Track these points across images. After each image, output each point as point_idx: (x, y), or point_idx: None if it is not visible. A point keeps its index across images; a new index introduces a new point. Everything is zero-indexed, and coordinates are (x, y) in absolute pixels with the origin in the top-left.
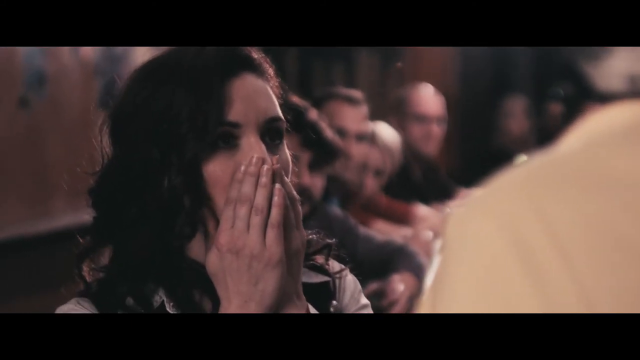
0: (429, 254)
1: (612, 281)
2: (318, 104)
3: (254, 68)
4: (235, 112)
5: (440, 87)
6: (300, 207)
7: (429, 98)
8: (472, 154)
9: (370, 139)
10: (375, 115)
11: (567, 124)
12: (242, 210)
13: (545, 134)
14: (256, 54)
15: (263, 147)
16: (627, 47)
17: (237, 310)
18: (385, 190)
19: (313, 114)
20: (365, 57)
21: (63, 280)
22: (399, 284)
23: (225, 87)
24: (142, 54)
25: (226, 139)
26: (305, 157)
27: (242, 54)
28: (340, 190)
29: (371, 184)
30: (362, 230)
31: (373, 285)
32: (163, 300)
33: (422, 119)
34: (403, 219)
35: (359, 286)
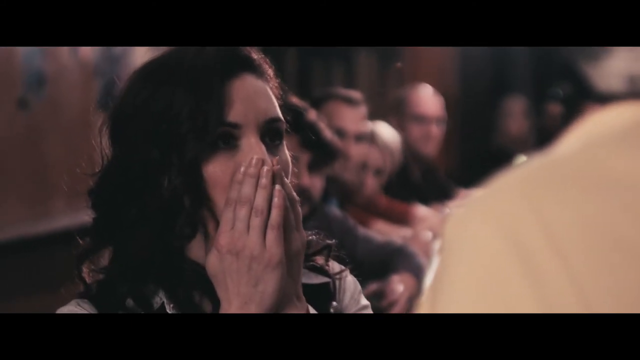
0: (428, 255)
1: (610, 281)
2: (317, 104)
3: (254, 69)
4: (235, 113)
5: (440, 88)
6: (300, 208)
7: (428, 98)
8: (472, 154)
9: (370, 138)
10: (375, 115)
11: (566, 124)
12: (242, 212)
13: (544, 134)
14: (256, 54)
15: (263, 147)
16: (627, 47)
17: (237, 312)
18: (384, 190)
19: (312, 115)
20: (365, 57)
21: (63, 281)
22: (399, 285)
23: (225, 88)
24: (141, 55)
25: (226, 139)
26: (305, 157)
27: (242, 54)
28: (340, 190)
29: (371, 184)
30: (362, 230)
31: (372, 286)
32: (163, 302)
33: (422, 119)
34: (402, 220)
35: (359, 287)
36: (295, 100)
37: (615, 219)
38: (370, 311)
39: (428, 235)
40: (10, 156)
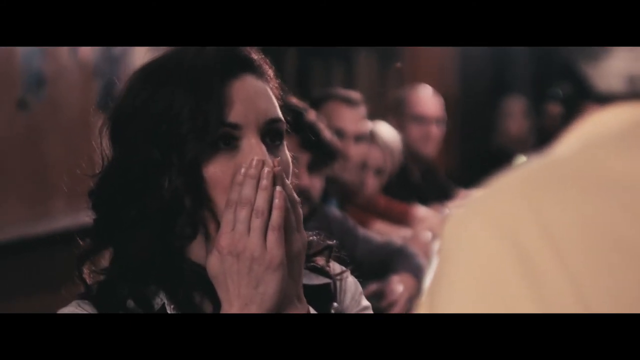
0: (428, 255)
1: (609, 282)
2: (316, 104)
3: (254, 69)
4: (236, 114)
5: (440, 88)
6: (300, 210)
7: (427, 99)
8: (472, 155)
9: (370, 138)
10: (375, 115)
11: (566, 125)
12: (243, 213)
13: (544, 135)
14: (256, 55)
15: (264, 148)
16: (627, 47)
17: (238, 313)
18: (384, 190)
19: (311, 115)
20: (364, 58)
21: (63, 281)
22: (398, 285)
23: (225, 89)
24: (141, 55)
25: (226, 140)
26: (304, 158)
27: (242, 55)
28: (339, 191)
29: (372, 183)
30: (361, 231)
31: (372, 286)
32: (164, 303)
33: (421, 119)
34: (402, 220)
35: (360, 288)
36: (294, 100)
37: (615, 219)
38: (371, 312)
39: (428, 235)
40: (10, 156)
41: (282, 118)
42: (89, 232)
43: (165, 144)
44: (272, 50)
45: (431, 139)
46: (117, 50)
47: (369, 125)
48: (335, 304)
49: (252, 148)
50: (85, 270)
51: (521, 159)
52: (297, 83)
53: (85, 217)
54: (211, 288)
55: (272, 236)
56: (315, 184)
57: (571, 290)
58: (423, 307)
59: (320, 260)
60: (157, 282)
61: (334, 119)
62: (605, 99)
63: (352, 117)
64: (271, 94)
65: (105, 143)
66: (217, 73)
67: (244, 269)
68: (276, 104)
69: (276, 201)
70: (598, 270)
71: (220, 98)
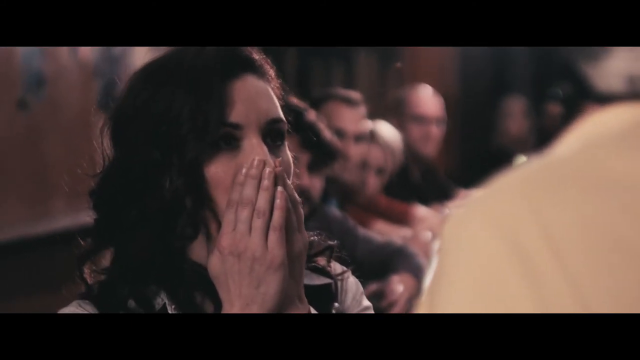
0: (428, 255)
1: (609, 282)
2: (316, 104)
3: (255, 69)
4: (237, 114)
5: (440, 88)
6: (301, 210)
7: (428, 99)
8: (472, 155)
9: (371, 137)
10: (375, 116)
11: (566, 125)
12: (244, 213)
13: (544, 135)
14: (257, 55)
15: (265, 148)
16: (627, 47)
17: (239, 313)
18: (384, 190)
19: (311, 115)
20: (364, 58)
21: (63, 281)
22: (398, 285)
23: (226, 88)
24: (141, 55)
25: (227, 140)
26: (304, 158)
27: (243, 55)
28: (339, 191)
29: (373, 183)
30: (361, 231)
31: (372, 286)
32: (165, 303)
33: (421, 119)
34: (402, 220)
35: (361, 288)
36: (295, 100)
37: (614, 219)
38: (372, 312)
39: (428, 235)
40: (10, 156)
41: (284, 118)
42: (90, 232)
43: (166, 144)
44: (272, 50)
45: (431, 139)
46: (117, 50)
47: (369, 125)
48: (336, 304)
49: (254, 148)
50: (86, 270)
51: (521, 159)
52: (297, 83)
53: (86, 217)
54: (212, 288)
55: (273, 236)
56: (315, 184)
57: (571, 290)
58: (423, 306)
59: (322, 261)
60: (158, 282)
61: (334, 119)
62: (605, 99)
63: (352, 117)
64: (272, 94)
65: (106, 143)
66: (218, 73)
67: (245, 269)
68: (277, 104)
69: (277, 201)
70: (598, 270)
71: (221, 98)
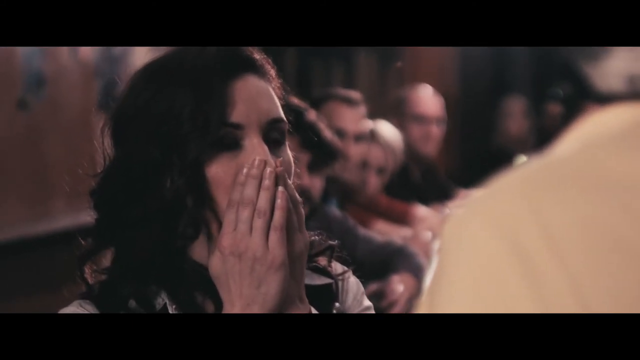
0: (428, 255)
1: (609, 282)
2: (316, 104)
3: (256, 69)
4: (238, 114)
5: (440, 88)
6: (302, 210)
7: (428, 98)
8: (472, 155)
9: (372, 137)
10: (375, 115)
11: (566, 124)
12: (245, 213)
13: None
14: (258, 55)
15: (266, 148)
16: (627, 47)
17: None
18: (385, 190)
19: (312, 115)
20: (364, 57)
21: (63, 281)
22: (399, 285)
23: (227, 88)
24: (141, 55)
25: (228, 140)
26: (304, 158)
27: (244, 55)
28: (340, 190)
29: (374, 182)
30: (362, 231)
31: (373, 286)
32: (166, 303)
33: (422, 119)
34: (403, 219)
35: (362, 288)
36: (295, 100)
37: (615, 219)
38: (373, 312)
39: (428, 235)
40: (10, 156)
41: (284, 118)
42: (91, 231)
43: (167, 144)
44: (272, 50)
45: (431, 139)
46: (118, 50)
47: (370, 124)
48: (337, 304)
49: (255, 148)
50: (87, 270)
51: (521, 159)
52: (297, 83)
53: (87, 216)
54: (213, 288)
55: (274, 236)
56: (316, 184)
57: (571, 290)
58: (423, 306)
59: (322, 261)
60: (158, 282)
61: (334, 119)
62: (605, 98)
63: (352, 117)
64: (273, 93)
65: (107, 143)
66: (219, 73)
67: (246, 269)
68: (278, 103)
69: (278, 201)
70: (598, 270)
71: (222, 98)
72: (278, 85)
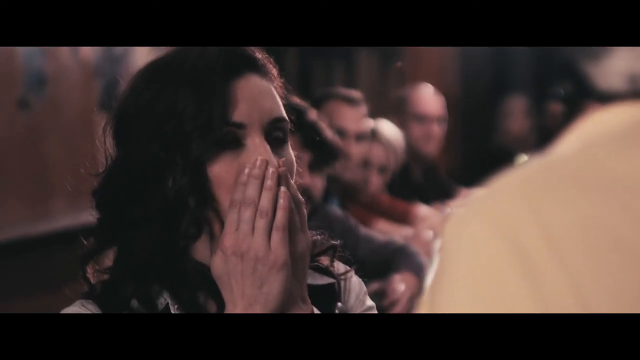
0: (429, 254)
1: (609, 282)
2: (317, 104)
3: (258, 68)
4: (240, 113)
5: (441, 87)
6: (305, 210)
7: (429, 98)
8: (473, 154)
9: (373, 136)
10: (376, 115)
11: (567, 124)
12: (247, 213)
13: (545, 134)
14: (260, 54)
15: (268, 148)
16: (628, 46)
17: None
18: (386, 189)
19: (313, 115)
20: (365, 57)
21: (63, 281)
22: (400, 284)
23: (229, 88)
24: (142, 55)
25: (231, 139)
26: (305, 157)
27: (245, 54)
28: (341, 190)
29: (376, 181)
30: (363, 230)
31: (374, 285)
32: (168, 302)
33: (422, 118)
34: (404, 219)
35: (364, 288)
36: (296, 99)
37: (615, 219)
38: (375, 312)
39: (429, 234)
40: (10, 156)
41: (287, 117)
42: (93, 231)
43: (169, 143)
44: (274, 49)
45: (432, 138)
46: (118, 50)
47: (371, 123)
48: (339, 304)
49: (257, 147)
50: (89, 270)
51: (522, 158)
52: (298, 83)
53: (88, 216)
54: (215, 288)
55: (276, 236)
56: (317, 183)
57: (571, 290)
58: (424, 306)
59: (325, 260)
60: (160, 281)
61: (335, 118)
62: (606, 98)
63: (353, 116)
64: (275, 93)
65: (109, 142)
66: (221, 72)
67: (248, 269)
68: (280, 103)
69: (280, 201)
70: (598, 270)
71: (225, 97)
72: (280, 84)
